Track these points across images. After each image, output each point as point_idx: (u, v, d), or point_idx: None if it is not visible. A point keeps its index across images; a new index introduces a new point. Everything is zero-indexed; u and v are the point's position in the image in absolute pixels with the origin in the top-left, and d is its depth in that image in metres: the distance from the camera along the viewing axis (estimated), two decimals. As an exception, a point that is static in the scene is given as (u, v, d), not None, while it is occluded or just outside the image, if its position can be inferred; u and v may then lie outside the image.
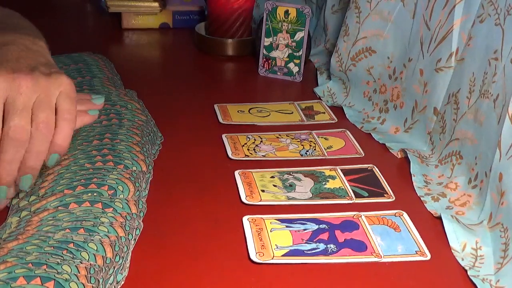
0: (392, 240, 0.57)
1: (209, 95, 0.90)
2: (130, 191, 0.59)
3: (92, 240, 0.50)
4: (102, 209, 0.55)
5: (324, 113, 0.85)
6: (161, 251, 0.54)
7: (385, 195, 0.65)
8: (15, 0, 0.80)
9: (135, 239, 0.55)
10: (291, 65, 0.96)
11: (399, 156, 0.74)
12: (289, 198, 0.63)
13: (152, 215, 0.59)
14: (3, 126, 0.51)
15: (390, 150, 0.75)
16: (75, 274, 0.46)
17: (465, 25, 0.68)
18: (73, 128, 0.54)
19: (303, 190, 0.65)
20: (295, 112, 0.85)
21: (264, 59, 0.97)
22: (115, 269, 0.50)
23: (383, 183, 0.67)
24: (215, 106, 0.84)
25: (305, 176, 0.68)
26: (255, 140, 0.75)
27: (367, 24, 0.84)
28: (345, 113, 0.85)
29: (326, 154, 0.73)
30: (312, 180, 0.67)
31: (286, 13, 0.93)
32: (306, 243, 0.56)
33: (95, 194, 0.57)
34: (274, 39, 0.96)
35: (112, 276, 0.49)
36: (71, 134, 0.54)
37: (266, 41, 0.96)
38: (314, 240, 0.56)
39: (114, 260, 0.50)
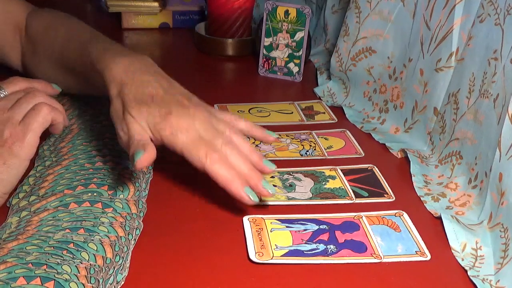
0: (392, 240, 0.57)
1: (209, 95, 0.89)
2: (130, 191, 0.59)
3: (92, 240, 0.50)
4: (102, 209, 0.55)
5: (324, 113, 0.85)
6: (161, 251, 0.54)
7: (385, 195, 0.65)
8: (15, 0, 0.80)
9: (135, 239, 0.54)
10: (291, 65, 0.96)
11: (399, 156, 0.74)
12: (289, 198, 0.63)
13: (152, 215, 0.59)
14: None
15: (390, 150, 0.75)
16: (75, 274, 0.46)
17: (465, 25, 0.68)
18: None
19: (303, 190, 0.65)
20: (295, 112, 0.85)
21: (264, 59, 0.97)
22: (115, 269, 0.50)
23: (383, 183, 0.67)
24: (215, 106, 0.84)
25: (305, 176, 0.68)
26: (255, 140, 0.75)
27: (367, 24, 0.84)
28: (345, 113, 0.85)
29: (326, 154, 0.73)
30: (312, 180, 0.67)
31: (286, 13, 0.93)
32: (306, 243, 0.56)
33: (95, 194, 0.57)
34: (274, 39, 0.96)
35: (112, 276, 0.49)
36: None
37: (266, 41, 0.96)
38: (314, 241, 0.56)
39: (114, 260, 0.50)
